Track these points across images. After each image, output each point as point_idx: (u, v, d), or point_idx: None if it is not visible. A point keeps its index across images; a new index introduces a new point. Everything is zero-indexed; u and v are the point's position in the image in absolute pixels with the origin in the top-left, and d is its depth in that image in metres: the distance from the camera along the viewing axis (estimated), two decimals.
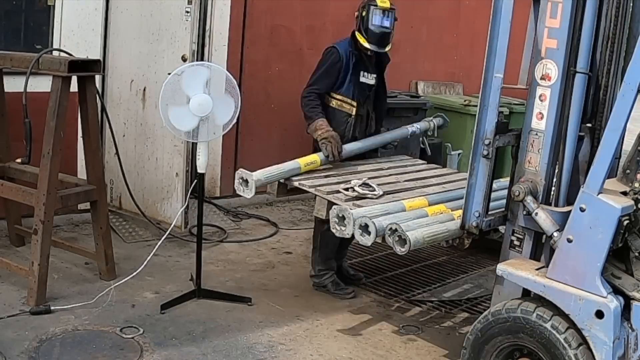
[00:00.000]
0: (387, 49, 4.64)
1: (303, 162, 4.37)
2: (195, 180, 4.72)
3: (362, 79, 4.67)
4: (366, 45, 4.54)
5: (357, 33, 4.59)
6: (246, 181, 4.10)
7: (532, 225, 3.44)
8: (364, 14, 4.53)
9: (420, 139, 5.79)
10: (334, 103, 4.67)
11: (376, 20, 4.51)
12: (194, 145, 6.13)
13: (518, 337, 3.23)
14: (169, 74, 5.43)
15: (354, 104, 4.66)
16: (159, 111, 4.20)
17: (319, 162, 4.47)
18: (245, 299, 4.60)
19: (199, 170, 4.47)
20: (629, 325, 3.14)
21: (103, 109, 5.07)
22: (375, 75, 4.75)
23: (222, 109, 4.36)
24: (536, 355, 3.21)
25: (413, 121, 6.88)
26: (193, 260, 5.24)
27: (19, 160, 4.53)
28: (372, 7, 4.51)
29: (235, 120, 4.48)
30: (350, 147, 4.65)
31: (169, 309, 4.34)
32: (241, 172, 4.12)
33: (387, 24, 4.55)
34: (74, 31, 5.59)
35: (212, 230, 6.03)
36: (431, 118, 5.34)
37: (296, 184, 4.26)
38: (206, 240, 5.66)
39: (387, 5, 4.57)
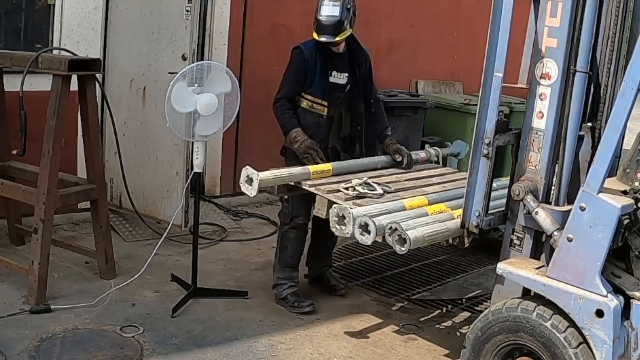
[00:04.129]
0: (337, 38, 4.36)
1: (313, 169, 4.27)
2: (190, 180, 4.71)
3: (331, 79, 4.51)
4: (317, 37, 4.38)
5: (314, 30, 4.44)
6: (251, 180, 4.08)
7: (532, 224, 3.44)
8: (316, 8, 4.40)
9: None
10: (304, 104, 4.53)
11: (323, 10, 4.34)
12: (194, 144, 6.14)
13: (518, 336, 3.23)
14: (170, 73, 5.46)
15: (325, 104, 4.50)
16: (165, 112, 4.19)
17: (331, 171, 4.34)
18: (242, 293, 4.60)
19: (196, 170, 4.46)
20: (629, 324, 3.14)
21: (108, 108, 5.06)
22: (347, 75, 4.55)
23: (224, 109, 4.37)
24: (536, 355, 3.21)
25: (413, 121, 6.94)
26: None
27: (14, 152, 4.54)
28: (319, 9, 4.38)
29: (234, 119, 4.48)
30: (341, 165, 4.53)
31: (167, 309, 4.34)
32: (248, 170, 4.10)
33: (333, 12, 4.31)
34: (74, 30, 5.59)
35: (212, 229, 6.04)
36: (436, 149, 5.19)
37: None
38: (206, 239, 5.68)
39: None
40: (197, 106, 4.22)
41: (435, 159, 5.11)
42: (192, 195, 5.43)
